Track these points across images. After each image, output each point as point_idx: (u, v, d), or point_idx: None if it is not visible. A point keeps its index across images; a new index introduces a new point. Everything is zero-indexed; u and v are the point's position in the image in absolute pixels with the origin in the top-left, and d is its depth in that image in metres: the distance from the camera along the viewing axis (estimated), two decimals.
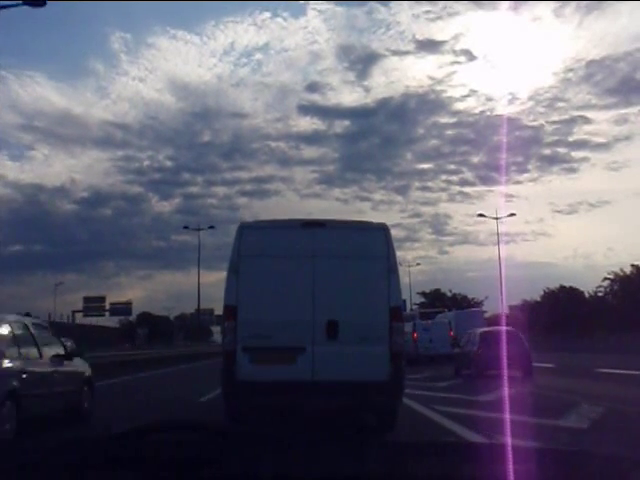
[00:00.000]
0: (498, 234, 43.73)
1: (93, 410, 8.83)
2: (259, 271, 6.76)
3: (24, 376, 6.97)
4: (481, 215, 45.49)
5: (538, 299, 60.03)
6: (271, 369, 6.53)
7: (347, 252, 6.80)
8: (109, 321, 68.46)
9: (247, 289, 6.65)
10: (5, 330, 7.21)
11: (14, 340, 7.25)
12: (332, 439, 1.50)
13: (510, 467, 1.20)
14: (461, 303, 57.65)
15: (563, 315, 51.57)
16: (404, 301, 50.72)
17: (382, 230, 7.04)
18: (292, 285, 6.72)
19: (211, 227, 49.23)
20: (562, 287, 59.15)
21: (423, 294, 67.75)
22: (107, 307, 56.94)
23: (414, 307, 59.75)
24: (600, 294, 56.96)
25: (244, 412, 6.70)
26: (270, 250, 6.83)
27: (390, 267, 6.77)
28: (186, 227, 50.06)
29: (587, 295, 58.10)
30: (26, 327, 7.77)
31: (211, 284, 65.61)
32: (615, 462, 1.31)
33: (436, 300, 65.08)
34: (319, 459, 1.26)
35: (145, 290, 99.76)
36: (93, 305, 56.16)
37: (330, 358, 6.49)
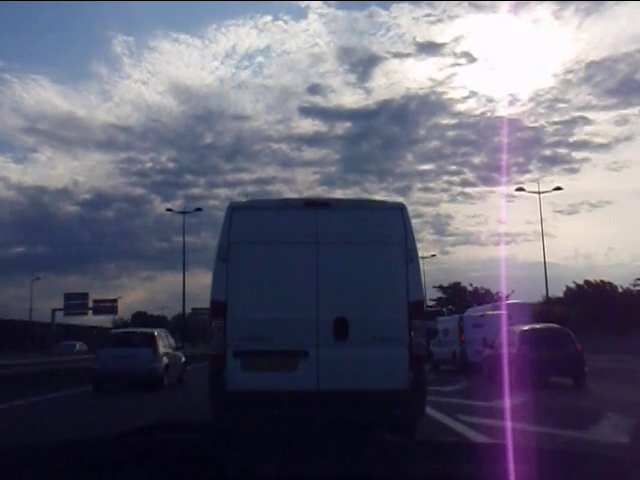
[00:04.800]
0: (541, 210, 43.06)
1: (188, 380, 18.74)
2: (253, 260, 6.34)
3: (166, 360, 17.28)
4: (520, 189, 44.22)
5: (560, 295, 60.02)
6: (268, 377, 6.15)
7: (357, 236, 6.37)
8: (107, 322, 70.20)
9: (238, 281, 6.23)
10: (162, 334, 18.41)
11: (163, 339, 18.05)
12: (332, 439, 1.63)
13: (510, 467, 1.32)
14: (484, 298, 57.60)
15: (597, 311, 51.41)
16: None
17: (399, 210, 6.51)
18: (292, 276, 6.29)
19: (198, 209, 49.66)
20: (587, 282, 59.13)
21: (441, 288, 67.79)
22: (91, 305, 57.29)
23: (430, 303, 59.81)
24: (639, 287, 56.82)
25: (235, 426, 6.34)
26: (266, 235, 6.39)
27: (409, 254, 6.28)
28: (169, 210, 50.32)
29: (620, 290, 58.05)
30: (166, 333, 19.51)
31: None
32: (615, 463, 1.45)
33: (456, 294, 65.16)
34: (319, 459, 1.39)
35: (147, 291, 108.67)
36: (75, 302, 56.38)
37: (338, 363, 6.10)
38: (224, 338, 6.16)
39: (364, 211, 6.70)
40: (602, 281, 59.06)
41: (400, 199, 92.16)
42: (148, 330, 18.64)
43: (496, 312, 23.65)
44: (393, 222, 6.44)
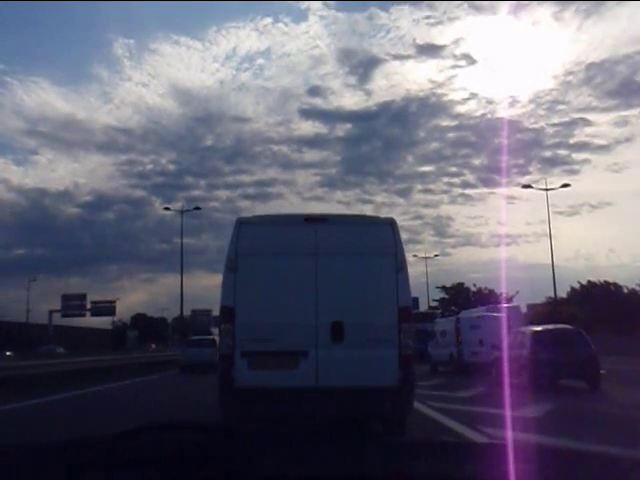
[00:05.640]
0: (548, 208, 42.07)
1: None
2: (258, 270, 7.01)
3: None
4: (527, 186, 43.87)
5: (563, 296, 59.95)
6: (272, 375, 6.77)
7: (352, 248, 7.05)
8: (106, 323, 70.69)
9: (245, 289, 6.91)
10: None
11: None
12: (332, 439, 1.65)
13: (510, 467, 1.34)
14: (488, 298, 57.54)
15: (603, 312, 51.34)
16: (416, 299, 50.91)
17: (389, 225, 7.25)
18: (294, 285, 6.97)
19: (197, 208, 49.91)
20: (591, 282, 58.99)
21: (444, 289, 67.69)
22: (89, 306, 57.27)
23: (432, 303, 59.83)
24: None
25: (243, 421, 6.88)
26: (270, 247, 7.09)
27: (398, 264, 6.99)
28: (167, 208, 50.55)
29: (625, 290, 57.95)
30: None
31: (215, 286, 69.17)
32: (615, 462, 1.47)
33: (459, 295, 65.13)
34: (319, 459, 1.41)
35: (147, 293, 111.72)
36: (73, 304, 56.37)
37: (335, 362, 6.73)
38: (232, 340, 6.84)
39: (358, 225, 7.45)
40: (606, 281, 58.93)
41: (400, 200, 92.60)
42: (212, 337, 30.72)
43: (493, 314, 23.68)
44: (384, 235, 7.16)
